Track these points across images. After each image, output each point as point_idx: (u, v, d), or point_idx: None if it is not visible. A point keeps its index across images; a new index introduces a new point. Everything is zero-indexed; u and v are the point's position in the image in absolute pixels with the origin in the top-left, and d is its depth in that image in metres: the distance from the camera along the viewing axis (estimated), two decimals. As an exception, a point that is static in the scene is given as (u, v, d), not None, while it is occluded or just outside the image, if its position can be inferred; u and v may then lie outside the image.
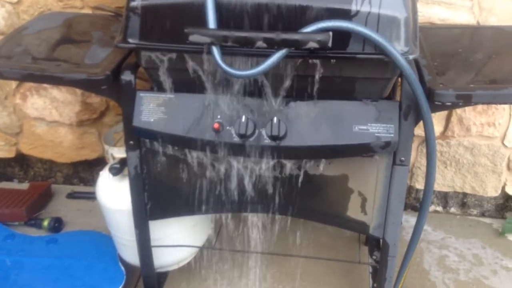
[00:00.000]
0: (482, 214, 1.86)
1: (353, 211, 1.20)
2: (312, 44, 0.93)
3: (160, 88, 1.13)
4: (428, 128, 1.04)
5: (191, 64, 1.05)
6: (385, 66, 1.02)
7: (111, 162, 1.34)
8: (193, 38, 0.95)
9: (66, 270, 1.53)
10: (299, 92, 1.07)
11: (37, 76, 1.16)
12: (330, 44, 0.93)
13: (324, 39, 0.93)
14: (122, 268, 1.50)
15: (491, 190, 1.76)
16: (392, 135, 1.06)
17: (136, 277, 1.51)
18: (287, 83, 1.04)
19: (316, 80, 1.03)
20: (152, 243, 1.35)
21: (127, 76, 1.13)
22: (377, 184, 1.15)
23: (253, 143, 1.09)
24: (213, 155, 1.16)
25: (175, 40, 1.01)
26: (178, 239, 1.41)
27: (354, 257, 1.62)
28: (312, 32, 0.93)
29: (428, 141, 1.05)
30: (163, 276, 1.56)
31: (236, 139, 1.09)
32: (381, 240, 1.23)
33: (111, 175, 1.33)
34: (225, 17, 0.96)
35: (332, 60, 1.00)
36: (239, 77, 0.98)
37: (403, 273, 1.25)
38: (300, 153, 1.12)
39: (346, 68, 1.03)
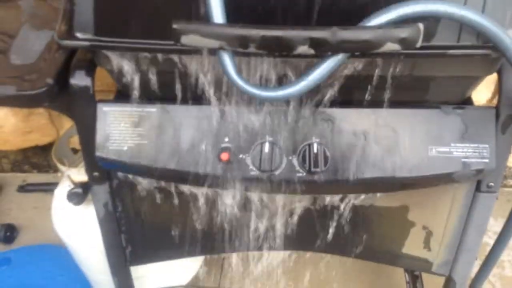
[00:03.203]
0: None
1: (413, 248, 0.89)
2: (392, 46, 0.55)
3: (134, 98, 0.74)
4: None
5: (180, 67, 0.67)
6: (486, 61, 0.66)
7: (66, 184, 0.97)
8: (189, 40, 0.56)
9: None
10: (347, 99, 0.71)
11: None
12: (419, 44, 0.56)
13: (412, 36, 0.55)
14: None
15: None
16: (486, 160, 0.72)
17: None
18: (330, 89, 0.68)
19: (374, 82, 0.67)
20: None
21: (80, 80, 0.73)
22: (449, 216, 0.83)
23: (279, 178, 0.73)
24: (217, 191, 0.81)
25: (154, 35, 0.61)
26: (161, 276, 1.08)
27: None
28: (390, 26, 0.55)
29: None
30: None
31: (254, 173, 0.73)
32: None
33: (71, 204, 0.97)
34: (237, 4, 0.57)
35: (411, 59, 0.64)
36: (271, 100, 0.62)
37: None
38: (349, 189, 0.77)
39: (424, 66, 0.67)
